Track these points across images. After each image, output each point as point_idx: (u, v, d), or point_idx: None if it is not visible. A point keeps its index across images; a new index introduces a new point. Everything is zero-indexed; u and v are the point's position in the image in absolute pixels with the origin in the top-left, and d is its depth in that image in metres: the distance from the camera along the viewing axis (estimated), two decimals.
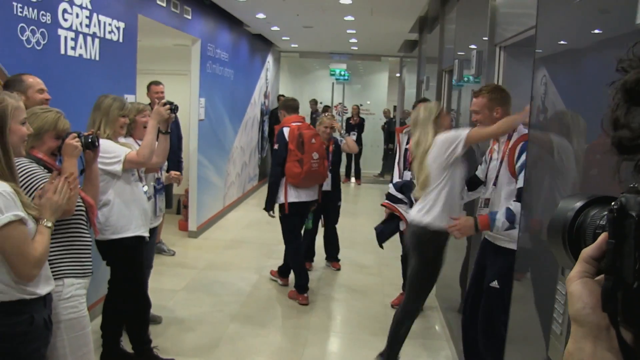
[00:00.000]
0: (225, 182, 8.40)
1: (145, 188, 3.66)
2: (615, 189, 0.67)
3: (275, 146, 4.94)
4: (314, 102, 13.08)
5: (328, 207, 5.82)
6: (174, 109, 3.52)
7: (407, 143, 4.72)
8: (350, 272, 6.01)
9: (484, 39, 3.85)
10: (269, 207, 5.03)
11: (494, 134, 3.14)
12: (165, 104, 3.48)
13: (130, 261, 3.47)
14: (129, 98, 4.86)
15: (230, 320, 4.54)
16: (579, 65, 2.15)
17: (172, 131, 5.82)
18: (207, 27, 7.18)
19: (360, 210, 9.35)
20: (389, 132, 12.80)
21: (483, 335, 3.08)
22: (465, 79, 4.64)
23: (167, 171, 4.34)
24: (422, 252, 3.46)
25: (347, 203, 8.54)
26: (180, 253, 6.30)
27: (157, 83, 5.78)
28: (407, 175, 4.75)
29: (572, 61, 2.23)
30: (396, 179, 4.82)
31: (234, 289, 5.27)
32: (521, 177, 2.86)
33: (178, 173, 4.43)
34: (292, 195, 4.91)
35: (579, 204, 0.77)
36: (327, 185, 5.61)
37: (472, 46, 4.21)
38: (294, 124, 4.94)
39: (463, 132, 3.28)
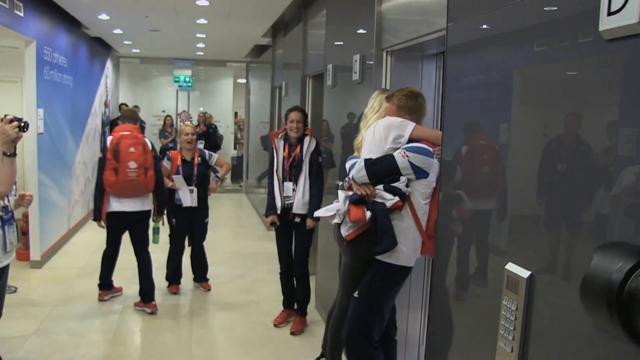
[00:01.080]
0: (69, 201, 7.50)
1: None
2: None
3: (100, 155, 4.90)
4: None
5: (195, 225, 5.46)
6: (23, 126, 2.91)
7: (284, 149, 4.47)
8: (223, 292, 5.59)
9: (373, 41, 3.72)
10: (96, 217, 4.88)
11: (432, 138, 2.94)
12: (12, 121, 2.85)
13: None
14: None
15: None
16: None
17: None
18: (42, 27, 6.31)
19: (218, 222, 8.87)
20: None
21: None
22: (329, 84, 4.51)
23: None
24: (360, 245, 3.04)
25: None
26: (23, 288, 5.42)
27: None
28: (289, 186, 4.48)
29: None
30: (276, 190, 4.50)
31: (97, 326, 4.61)
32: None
33: (30, 193, 3.72)
34: (113, 204, 4.81)
35: (627, 265, 0.60)
36: (192, 202, 5.26)
37: (352, 51, 4.07)
38: (121, 132, 4.83)
39: (409, 122, 2.97)
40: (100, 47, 10.05)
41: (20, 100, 6.40)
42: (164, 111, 13.20)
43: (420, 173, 2.85)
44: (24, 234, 6.24)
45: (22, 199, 3.58)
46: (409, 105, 3.01)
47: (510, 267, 1.98)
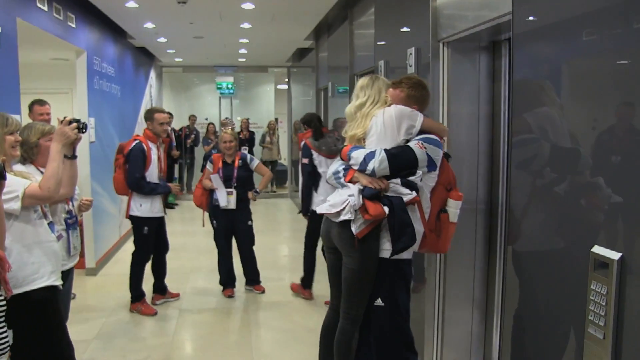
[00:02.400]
0: (119, 209, 7.58)
1: (56, 227, 3.00)
2: None
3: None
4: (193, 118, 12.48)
5: (237, 228, 5.44)
6: (82, 127, 2.90)
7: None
8: (276, 292, 5.55)
9: (429, 32, 3.62)
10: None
11: (439, 130, 2.91)
12: (70, 122, 2.85)
13: (41, 320, 2.75)
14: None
15: None
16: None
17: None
18: (92, 38, 6.42)
19: (264, 228, 8.85)
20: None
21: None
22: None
23: None
24: (372, 244, 2.83)
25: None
26: (81, 295, 5.49)
27: (41, 103, 4.97)
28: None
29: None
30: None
31: (156, 329, 4.63)
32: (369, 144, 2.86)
33: (90, 199, 3.76)
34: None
35: None
36: (229, 203, 5.26)
37: (410, 44, 3.97)
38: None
39: (418, 113, 2.84)
40: (145, 57, 10.21)
41: (70, 111, 6.50)
42: (206, 119, 13.32)
43: (432, 165, 2.77)
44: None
45: (82, 204, 3.62)
46: (419, 95, 2.90)
47: (598, 249, 1.88)
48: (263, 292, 5.57)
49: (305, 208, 5.09)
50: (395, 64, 4.39)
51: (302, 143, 5.11)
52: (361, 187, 2.75)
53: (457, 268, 3.58)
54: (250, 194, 5.40)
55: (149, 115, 5.00)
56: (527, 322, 2.45)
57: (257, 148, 12.73)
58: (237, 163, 5.32)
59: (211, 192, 5.29)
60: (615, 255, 1.81)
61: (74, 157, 2.94)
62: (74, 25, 5.67)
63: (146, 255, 5.04)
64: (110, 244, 6.97)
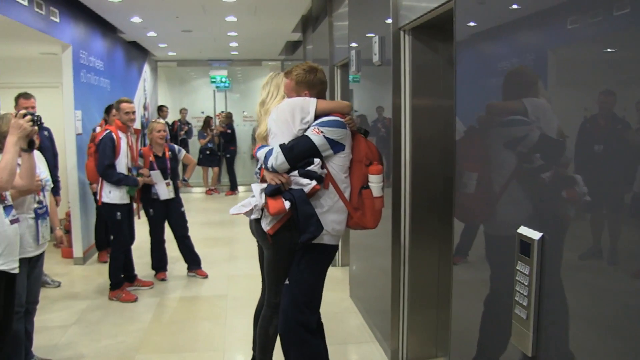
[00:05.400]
0: None
1: (12, 212, 3.00)
2: None
3: None
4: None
5: (172, 215, 5.65)
6: (36, 120, 2.96)
7: None
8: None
9: (387, 21, 3.70)
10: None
11: (338, 108, 2.90)
12: (25, 115, 2.91)
13: None
14: None
15: (136, 351, 4.04)
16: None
17: (46, 148, 5.27)
18: (78, 32, 6.53)
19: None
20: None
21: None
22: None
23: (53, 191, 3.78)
24: (284, 236, 2.87)
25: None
26: (66, 283, 5.63)
27: (27, 96, 5.09)
28: None
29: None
30: None
31: (133, 315, 4.75)
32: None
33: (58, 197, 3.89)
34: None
35: None
36: (169, 194, 5.48)
37: (373, 34, 4.06)
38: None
39: (310, 99, 2.87)
40: (137, 51, 10.30)
41: (61, 104, 6.61)
42: (202, 113, 13.42)
43: (337, 146, 2.78)
44: (67, 232, 6.46)
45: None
46: (307, 79, 2.93)
47: (523, 230, 1.94)
48: (206, 276, 5.78)
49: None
50: (365, 55, 4.47)
51: None
52: (263, 186, 2.82)
53: (420, 254, 3.70)
54: (179, 183, 5.64)
55: (117, 105, 5.17)
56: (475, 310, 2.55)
57: (246, 142, 13.03)
58: (167, 155, 5.54)
59: (146, 185, 5.37)
60: (536, 235, 1.84)
61: (30, 149, 3.03)
62: (57, 20, 5.78)
63: (124, 240, 5.16)
64: None
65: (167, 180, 5.46)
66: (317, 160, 2.74)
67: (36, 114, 2.98)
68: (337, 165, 2.82)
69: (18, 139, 2.85)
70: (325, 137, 2.74)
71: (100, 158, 4.96)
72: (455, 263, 2.70)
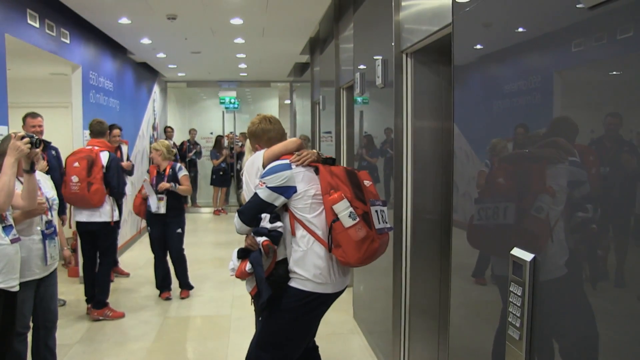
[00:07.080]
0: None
1: (12, 231, 2.98)
2: None
3: None
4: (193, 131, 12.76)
5: (168, 236, 5.74)
6: (35, 142, 2.99)
7: None
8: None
9: (392, 44, 3.74)
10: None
11: (285, 150, 2.83)
12: (23, 137, 2.94)
13: None
14: (1, 129, 4.31)
15: None
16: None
17: (54, 168, 5.33)
18: (88, 53, 6.64)
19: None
20: None
21: None
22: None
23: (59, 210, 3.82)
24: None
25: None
26: (72, 302, 5.65)
27: (34, 115, 5.17)
28: None
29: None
30: None
31: (137, 335, 4.75)
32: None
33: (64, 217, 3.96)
34: (75, 213, 5.20)
35: None
36: (158, 208, 5.58)
37: (377, 57, 4.11)
38: (87, 147, 5.29)
39: (259, 152, 2.90)
40: (147, 72, 10.44)
41: (70, 124, 6.70)
42: (211, 133, 13.52)
43: (287, 191, 2.64)
44: (73, 250, 6.49)
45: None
46: (252, 131, 3.00)
47: (516, 251, 1.94)
48: (187, 297, 5.83)
49: None
50: (369, 77, 4.52)
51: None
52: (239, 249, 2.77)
53: (421, 275, 3.69)
54: (168, 184, 5.58)
55: (110, 129, 5.55)
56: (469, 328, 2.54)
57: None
58: (167, 172, 5.68)
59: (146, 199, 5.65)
60: (528, 257, 1.85)
61: (31, 170, 3.04)
62: (67, 41, 5.89)
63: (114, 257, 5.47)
64: None
65: (161, 195, 5.59)
66: (265, 215, 2.63)
67: (35, 136, 3.00)
68: (299, 207, 2.66)
69: (15, 160, 2.88)
70: (268, 187, 2.64)
71: (122, 178, 5.31)
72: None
